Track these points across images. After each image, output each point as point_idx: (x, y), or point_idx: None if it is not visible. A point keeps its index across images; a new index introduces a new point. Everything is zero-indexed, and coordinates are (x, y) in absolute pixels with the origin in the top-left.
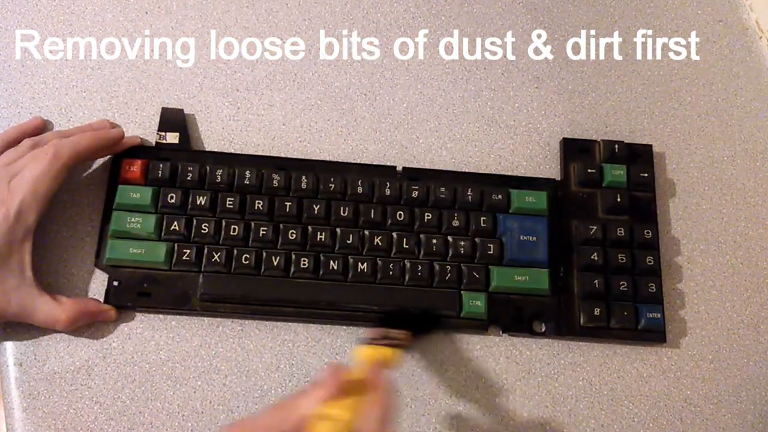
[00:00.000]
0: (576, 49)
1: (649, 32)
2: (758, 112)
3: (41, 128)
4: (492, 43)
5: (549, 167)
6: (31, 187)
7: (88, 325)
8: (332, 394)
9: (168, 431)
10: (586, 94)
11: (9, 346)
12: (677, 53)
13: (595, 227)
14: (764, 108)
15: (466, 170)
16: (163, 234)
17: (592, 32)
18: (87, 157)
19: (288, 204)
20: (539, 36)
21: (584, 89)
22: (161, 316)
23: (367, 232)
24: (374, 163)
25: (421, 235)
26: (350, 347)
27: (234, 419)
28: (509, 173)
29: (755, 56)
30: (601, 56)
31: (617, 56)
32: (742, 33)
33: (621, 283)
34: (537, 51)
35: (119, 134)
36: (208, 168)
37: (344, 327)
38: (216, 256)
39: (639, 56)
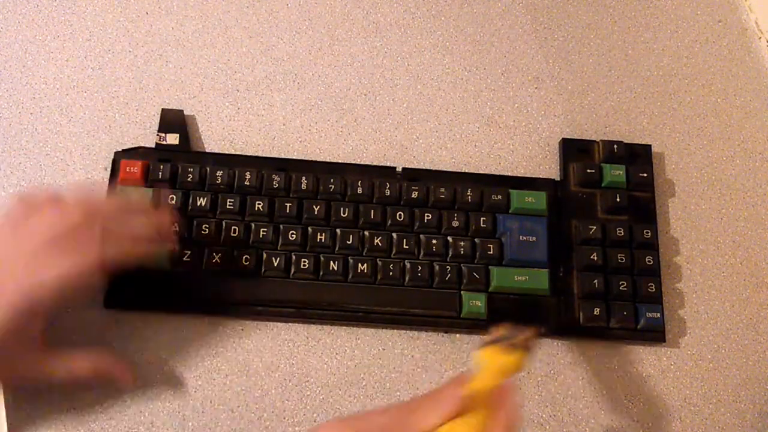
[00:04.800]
0: (575, 49)
1: (649, 32)
2: (758, 112)
3: None
4: (491, 44)
5: (548, 167)
6: (58, 285)
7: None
8: (453, 412)
9: (168, 431)
10: (585, 95)
11: None
12: (677, 53)
13: (594, 227)
14: (764, 108)
15: (466, 170)
16: None
17: (592, 32)
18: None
19: (288, 205)
20: (539, 36)
21: (583, 89)
22: (162, 316)
23: (367, 233)
24: (374, 163)
25: (421, 236)
26: (350, 347)
27: (234, 419)
28: (509, 173)
29: (755, 56)
30: (601, 56)
31: (617, 56)
32: (742, 33)
33: (620, 282)
34: (536, 51)
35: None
36: (208, 169)
37: (344, 327)
38: (216, 257)
39: (638, 56)
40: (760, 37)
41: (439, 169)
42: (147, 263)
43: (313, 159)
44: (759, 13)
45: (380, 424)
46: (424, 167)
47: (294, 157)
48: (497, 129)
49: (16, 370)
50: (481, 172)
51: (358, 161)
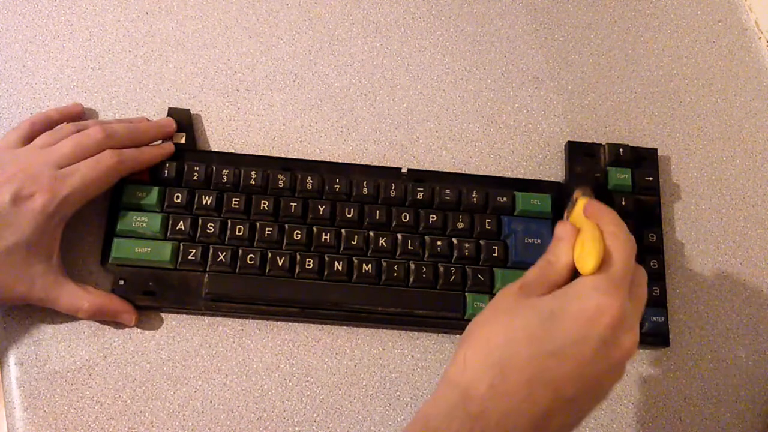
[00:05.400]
0: (575, 49)
1: (649, 32)
2: (758, 113)
3: (80, 115)
4: (491, 44)
5: (550, 168)
6: (84, 186)
7: (89, 325)
8: (574, 236)
9: (168, 431)
10: (585, 95)
11: (10, 345)
12: (677, 53)
13: None
14: (764, 108)
15: (468, 171)
16: (168, 233)
17: (592, 32)
18: (140, 170)
19: (293, 204)
20: (539, 36)
21: (584, 89)
22: (162, 315)
23: (372, 233)
24: (374, 163)
25: (426, 237)
26: (350, 347)
27: (234, 419)
28: (514, 176)
29: (755, 56)
30: (601, 56)
31: (617, 56)
32: (742, 33)
33: None
34: (536, 51)
35: (172, 150)
36: (214, 168)
37: (345, 327)
38: (221, 256)
39: (638, 56)
40: (760, 37)
41: (444, 170)
42: (152, 164)
43: (316, 158)
44: (759, 13)
45: (536, 277)
46: (428, 168)
47: (299, 157)
48: (498, 129)
49: (28, 284)
50: (483, 172)
51: (358, 161)
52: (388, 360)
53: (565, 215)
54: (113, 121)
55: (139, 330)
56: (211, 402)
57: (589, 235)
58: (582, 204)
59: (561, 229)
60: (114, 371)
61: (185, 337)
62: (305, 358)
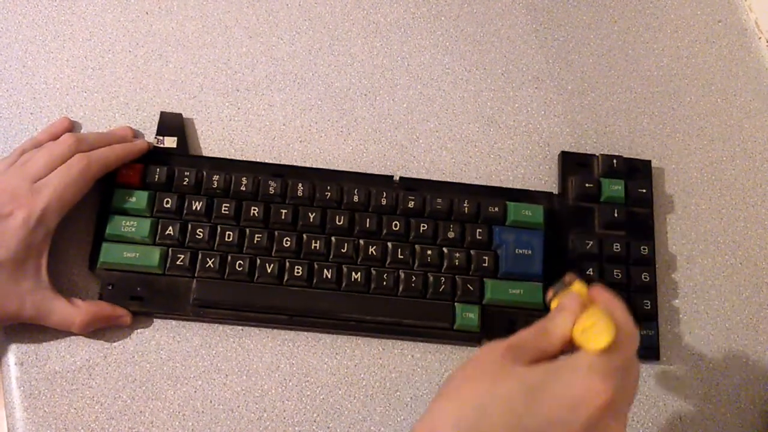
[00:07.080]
0: (575, 49)
1: (649, 32)
2: (758, 113)
3: (69, 129)
4: (491, 44)
5: (547, 180)
6: (59, 194)
7: None
8: (579, 310)
9: (168, 431)
10: (588, 94)
11: (10, 345)
12: (677, 53)
13: (591, 242)
14: (764, 108)
15: (465, 172)
16: (157, 238)
17: (592, 32)
18: (113, 168)
19: (283, 211)
20: (539, 36)
21: (584, 89)
22: (160, 317)
23: (362, 241)
24: (374, 162)
25: (416, 246)
26: (350, 346)
27: (234, 419)
28: (512, 177)
29: (754, 56)
30: (601, 56)
31: (617, 56)
32: (742, 33)
33: None
34: (536, 52)
35: (145, 147)
36: (204, 173)
37: (332, 336)
38: (210, 262)
39: (638, 56)
40: (760, 37)
41: (437, 176)
42: (127, 160)
43: (312, 160)
44: (759, 13)
45: (533, 342)
46: (423, 167)
47: (292, 163)
48: (497, 129)
49: (18, 302)
50: (481, 173)
51: (357, 160)
52: (388, 360)
53: (550, 293)
54: (92, 135)
55: (139, 330)
56: (211, 402)
57: (601, 313)
58: (580, 287)
59: (568, 300)
60: (114, 371)
61: (185, 337)
62: (305, 358)
